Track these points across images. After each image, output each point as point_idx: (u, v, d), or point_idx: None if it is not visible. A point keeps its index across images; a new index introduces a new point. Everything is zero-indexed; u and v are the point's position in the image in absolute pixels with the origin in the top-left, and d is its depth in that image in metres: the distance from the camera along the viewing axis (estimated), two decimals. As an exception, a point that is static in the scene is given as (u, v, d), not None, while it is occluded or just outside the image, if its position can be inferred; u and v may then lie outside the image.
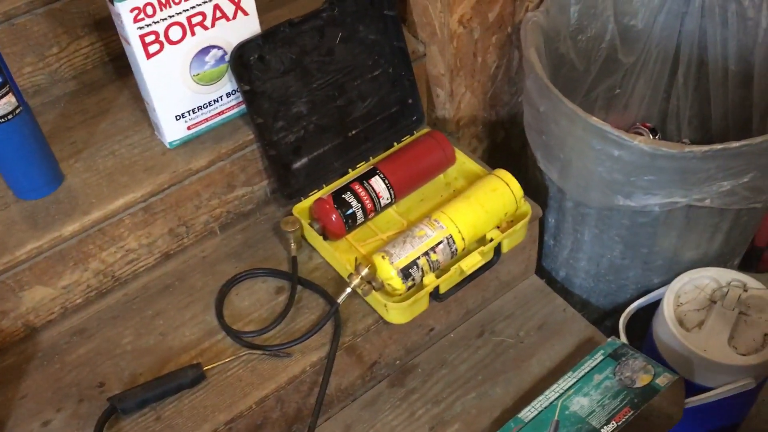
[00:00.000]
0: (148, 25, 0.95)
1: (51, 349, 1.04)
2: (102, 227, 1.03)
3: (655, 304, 1.21)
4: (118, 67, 1.19)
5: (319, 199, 1.11)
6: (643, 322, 1.24)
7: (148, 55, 0.97)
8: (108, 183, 1.04)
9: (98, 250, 1.05)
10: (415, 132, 1.24)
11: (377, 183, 1.12)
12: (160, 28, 0.96)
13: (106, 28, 1.15)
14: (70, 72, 1.17)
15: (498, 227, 1.11)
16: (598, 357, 1.08)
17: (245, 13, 1.03)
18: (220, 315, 1.06)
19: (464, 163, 1.22)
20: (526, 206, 1.14)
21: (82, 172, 1.05)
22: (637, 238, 1.16)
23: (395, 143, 1.23)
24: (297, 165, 1.15)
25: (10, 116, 0.92)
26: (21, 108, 0.93)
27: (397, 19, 1.15)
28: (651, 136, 1.42)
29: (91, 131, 1.11)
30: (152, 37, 0.96)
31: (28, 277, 1.00)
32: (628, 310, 1.22)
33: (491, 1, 1.18)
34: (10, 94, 0.91)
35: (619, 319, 1.21)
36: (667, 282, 1.18)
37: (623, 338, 1.18)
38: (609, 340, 1.12)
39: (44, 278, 1.01)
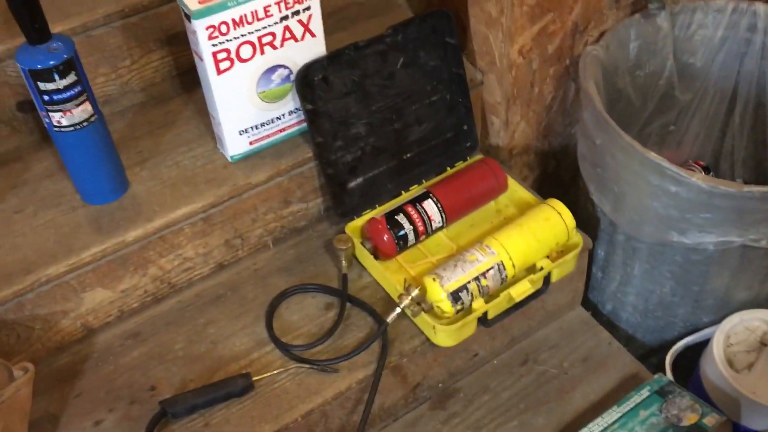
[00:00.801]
0: (221, 43, 0.98)
1: (106, 351, 1.07)
2: (163, 235, 1.06)
3: (703, 343, 1.19)
4: (185, 81, 1.23)
5: (372, 219, 1.13)
6: (689, 361, 1.22)
7: (219, 72, 1.01)
8: (171, 192, 1.07)
9: (157, 257, 1.08)
10: (468, 158, 1.26)
11: (430, 206, 1.14)
12: (232, 46, 0.99)
13: (176, 43, 1.20)
14: (139, 84, 1.21)
15: (548, 256, 1.11)
16: (645, 393, 1.08)
17: (313, 35, 1.06)
18: (270, 327, 1.08)
19: (516, 191, 1.23)
20: (577, 237, 1.14)
21: (146, 180, 1.09)
22: (689, 276, 1.15)
23: (448, 168, 1.24)
24: (352, 184, 1.17)
25: (85, 123, 0.95)
26: (96, 116, 0.97)
27: (457, 46, 1.17)
28: (704, 174, 1.41)
29: (157, 142, 1.15)
30: (224, 54, 0.99)
31: (90, 279, 1.03)
32: (675, 347, 1.21)
33: (552, 34, 1.19)
34: (87, 102, 0.95)
35: (665, 356, 1.20)
36: (716, 321, 1.17)
37: (669, 376, 1.17)
38: (656, 376, 1.11)
39: (105, 281, 1.05)
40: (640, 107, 1.33)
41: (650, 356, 1.33)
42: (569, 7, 1.18)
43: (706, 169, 1.44)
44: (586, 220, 1.26)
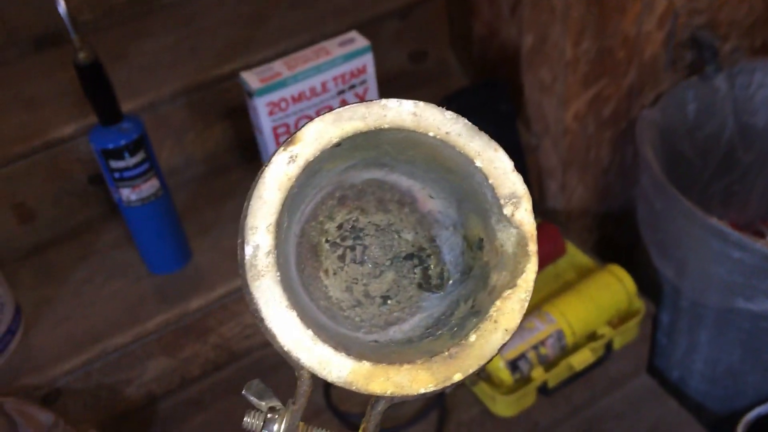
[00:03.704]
0: (280, 118, 1.02)
1: (169, 418, 1.08)
2: (224, 303, 1.08)
3: (778, 414, 1.14)
4: (246, 152, 1.27)
5: (429, 285, 1.13)
6: (762, 430, 1.17)
7: (278, 145, 1.04)
8: (232, 261, 1.09)
9: (218, 325, 1.10)
10: (525, 222, 1.25)
11: (487, 272, 1.13)
12: (291, 120, 1.03)
13: (237, 116, 1.24)
14: (201, 155, 1.26)
15: (609, 323, 1.09)
16: (716, 467, 1.03)
17: (368, 107, 1.09)
18: (327, 395, 1.08)
19: (575, 255, 1.21)
20: (639, 303, 1.12)
21: (208, 250, 1.12)
22: (758, 343, 1.11)
23: (505, 233, 1.24)
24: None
25: (153, 198, 1.00)
26: (162, 190, 1.01)
27: (512, 113, 1.18)
28: (770, 236, 1.37)
29: (218, 212, 1.18)
30: (283, 129, 1.03)
31: (154, 348, 1.06)
32: (747, 417, 1.16)
33: (606, 99, 1.19)
34: (155, 177, 0.99)
35: (736, 425, 1.15)
36: (790, 391, 1.12)
37: (742, 448, 1.12)
38: (727, 449, 1.06)
39: (168, 349, 1.07)
40: (701, 169, 1.31)
41: (721, 426, 1.28)
42: (623, 71, 1.18)
43: (774, 229, 1.40)
44: (649, 285, 1.23)
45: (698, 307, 1.15)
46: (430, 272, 0.44)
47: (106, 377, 1.04)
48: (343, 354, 0.37)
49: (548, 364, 1.06)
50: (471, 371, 0.37)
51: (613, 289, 1.09)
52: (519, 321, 0.39)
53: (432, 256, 0.44)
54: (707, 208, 1.04)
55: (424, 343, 0.41)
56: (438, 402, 1.03)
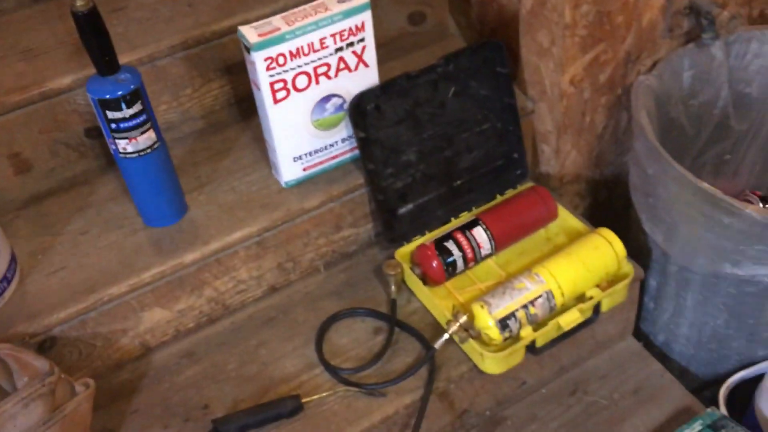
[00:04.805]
0: (278, 74, 1.02)
1: (162, 369, 1.10)
2: (219, 257, 1.09)
3: (759, 378, 1.17)
4: (243, 109, 1.28)
5: (422, 245, 1.14)
6: (744, 395, 1.19)
7: (276, 101, 1.04)
8: (227, 217, 1.11)
9: (213, 279, 1.11)
10: (518, 186, 1.27)
11: (479, 233, 1.15)
12: (289, 76, 1.03)
13: (235, 72, 1.24)
14: (199, 111, 1.26)
15: (598, 286, 1.11)
16: (696, 427, 1.06)
17: (366, 65, 1.09)
18: (319, 350, 1.10)
19: (566, 219, 1.23)
20: (627, 267, 1.13)
21: (204, 204, 1.13)
22: (744, 308, 1.13)
23: (498, 195, 1.25)
24: (402, 211, 1.19)
25: (149, 150, 1.00)
26: (159, 143, 1.01)
27: (508, 76, 1.18)
28: (761, 204, 1.39)
29: (215, 167, 1.19)
30: (281, 84, 1.03)
31: (149, 299, 1.07)
32: (729, 381, 1.19)
33: (603, 64, 1.20)
34: (151, 130, 0.99)
35: (719, 389, 1.18)
36: (773, 355, 1.15)
37: (723, 410, 1.14)
38: (709, 410, 1.09)
39: (163, 301, 1.08)
40: (694, 136, 1.32)
41: (704, 389, 1.30)
42: (621, 36, 1.18)
43: (764, 199, 1.41)
44: (638, 249, 1.25)
45: (685, 272, 1.16)
46: None
47: (101, 327, 1.05)
48: None
49: (537, 324, 1.08)
50: None
51: (602, 252, 1.10)
52: None
53: None
54: (699, 176, 1.05)
55: None
56: (427, 358, 1.05)
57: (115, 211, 1.13)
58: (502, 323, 1.03)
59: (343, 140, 1.15)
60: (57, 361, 0.94)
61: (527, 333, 1.06)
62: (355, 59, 1.08)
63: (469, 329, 1.04)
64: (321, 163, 1.15)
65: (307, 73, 1.05)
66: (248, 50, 0.99)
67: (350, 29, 1.04)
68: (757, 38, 1.26)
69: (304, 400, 1.03)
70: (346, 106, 1.11)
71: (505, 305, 1.04)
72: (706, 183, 1.02)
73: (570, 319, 1.07)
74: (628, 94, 1.24)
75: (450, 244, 1.13)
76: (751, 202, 1.35)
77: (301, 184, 1.15)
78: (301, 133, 1.10)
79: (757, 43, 1.26)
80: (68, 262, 1.07)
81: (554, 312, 1.08)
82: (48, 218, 1.13)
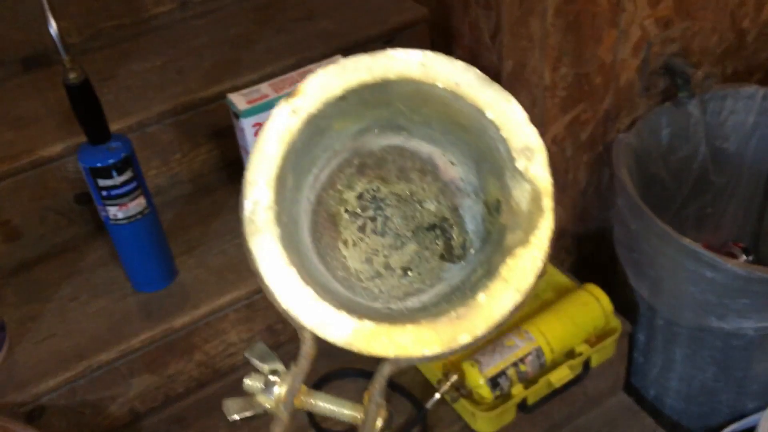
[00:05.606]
0: (266, 139, 1.04)
1: (152, 436, 1.09)
2: (209, 321, 1.09)
3: (750, 430, 1.17)
4: (231, 172, 1.29)
5: (411, 304, 1.15)
6: (737, 449, 1.20)
7: (264, 165, 1.06)
8: (217, 279, 1.11)
9: (203, 343, 1.11)
10: (505, 243, 1.28)
11: (468, 291, 1.16)
12: (277, 141, 1.05)
13: (223, 136, 1.26)
14: (188, 175, 1.27)
15: (587, 341, 1.12)
16: (691, 483, 1.05)
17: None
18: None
19: (553, 275, 1.24)
20: (615, 321, 1.14)
21: (194, 268, 1.13)
22: (731, 361, 1.14)
23: (486, 253, 1.27)
24: (391, 270, 1.20)
25: (139, 216, 1.01)
26: (149, 209, 1.02)
27: (492, 136, 1.21)
28: (744, 256, 1.41)
29: (204, 230, 1.20)
30: (269, 149, 1.05)
31: (138, 365, 1.06)
32: (721, 435, 1.19)
33: (584, 123, 1.23)
34: (142, 196, 1.00)
35: (711, 443, 1.18)
36: (763, 407, 1.15)
37: (716, 464, 1.14)
38: (702, 465, 1.09)
39: (153, 366, 1.08)
40: (675, 191, 1.35)
41: (697, 443, 1.30)
42: (600, 96, 1.22)
43: (747, 251, 1.44)
44: (625, 304, 1.26)
45: (673, 326, 1.17)
46: (452, 242, 0.41)
47: (90, 394, 1.04)
48: (344, 313, 0.34)
49: (528, 382, 1.08)
50: (479, 333, 0.34)
51: (590, 307, 1.11)
52: (532, 281, 0.36)
53: (455, 226, 0.40)
54: (681, 230, 1.07)
55: (437, 308, 0.39)
56: (419, 419, 1.05)
57: (104, 276, 1.13)
58: (493, 381, 1.04)
59: (331, 202, 1.17)
60: (45, 430, 0.93)
61: (518, 391, 1.06)
62: (342, 123, 1.10)
63: (460, 388, 1.04)
64: (310, 224, 1.16)
65: (295, 138, 1.07)
66: (237, 116, 1.02)
67: (337, 95, 1.07)
68: (732, 95, 1.30)
69: (295, 465, 1.02)
70: (333, 168, 1.13)
71: (495, 363, 1.05)
72: (688, 237, 1.04)
73: (560, 375, 1.08)
74: (609, 151, 1.28)
75: (439, 303, 1.14)
76: (734, 254, 1.38)
77: (290, 246, 1.16)
78: (289, 196, 1.12)
79: (732, 100, 1.30)
80: (57, 329, 1.06)
81: (544, 369, 1.09)
82: (37, 285, 1.13)
